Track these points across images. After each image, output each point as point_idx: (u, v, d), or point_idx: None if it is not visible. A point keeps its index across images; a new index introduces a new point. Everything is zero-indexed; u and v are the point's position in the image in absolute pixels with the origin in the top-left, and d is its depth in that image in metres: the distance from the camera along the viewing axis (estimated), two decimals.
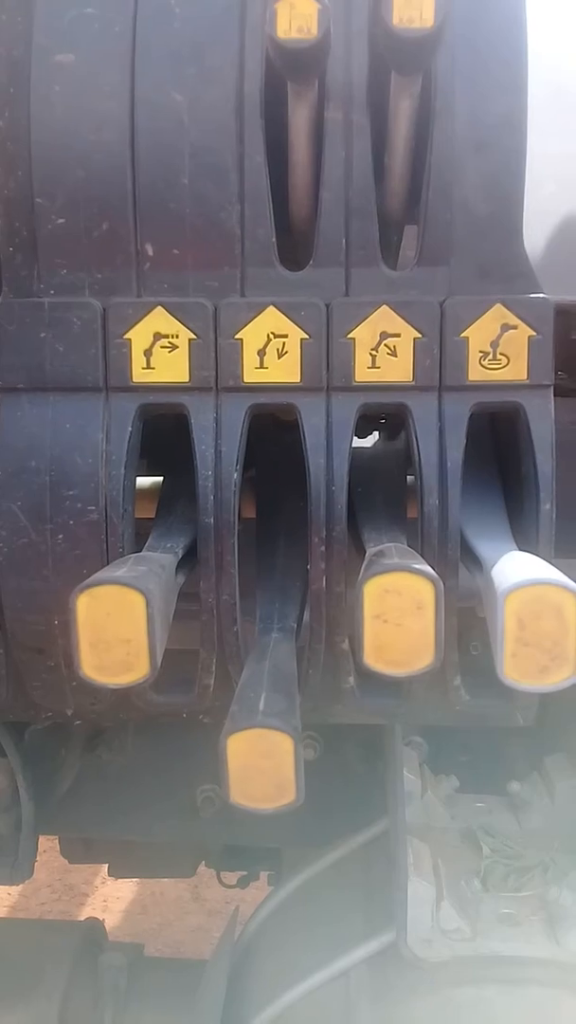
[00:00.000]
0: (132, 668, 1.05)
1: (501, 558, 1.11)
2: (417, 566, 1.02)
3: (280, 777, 1.03)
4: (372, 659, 1.03)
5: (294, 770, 1.03)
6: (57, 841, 2.29)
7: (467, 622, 1.32)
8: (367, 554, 1.13)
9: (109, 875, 2.48)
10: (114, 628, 1.03)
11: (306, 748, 1.95)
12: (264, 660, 1.20)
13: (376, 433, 1.62)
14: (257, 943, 1.76)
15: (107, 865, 2.44)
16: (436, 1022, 1.39)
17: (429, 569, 1.02)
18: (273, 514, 1.46)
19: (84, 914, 3.60)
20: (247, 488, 1.39)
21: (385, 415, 1.42)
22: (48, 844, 2.29)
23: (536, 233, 1.44)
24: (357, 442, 1.30)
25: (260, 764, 1.03)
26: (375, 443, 1.61)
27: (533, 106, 1.23)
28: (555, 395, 1.24)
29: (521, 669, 1.00)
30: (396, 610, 1.01)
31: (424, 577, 1.01)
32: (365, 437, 1.56)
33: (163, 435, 1.35)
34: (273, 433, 1.40)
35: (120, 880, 3.70)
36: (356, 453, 1.26)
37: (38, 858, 1.95)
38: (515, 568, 1.06)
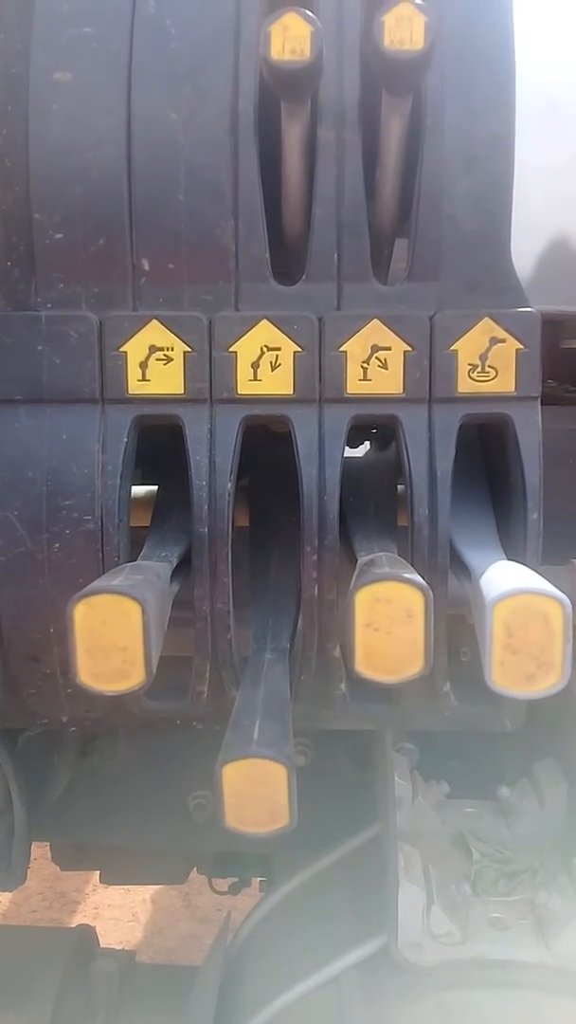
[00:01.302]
0: (128, 675, 1.06)
1: (489, 567, 1.13)
2: (407, 575, 1.04)
3: (274, 804, 1.05)
4: (363, 666, 1.04)
5: (287, 797, 1.05)
6: (48, 848, 2.30)
7: (457, 628, 1.34)
8: (358, 563, 1.15)
9: (101, 882, 2.48)
10: (110, 636, 1.05)
11: (297, 755, 1.97)
12: (258, 686, 1.22)
13: (367, 443, 1.64)
14: (248, 949, 1.77)
15: (98, 872, 2.45)
16: None
17: (419, 578, 1.04)
18: (266, 524, 1.48)
19: (75, 922, 3.58)
20: (241, 498, 1.41)
21: (376, 425, 1.44)
22: (39, 851, 2.29)
23: (528, 244, 1.46)
24: (349, 452, 1.33)
25: (254, 792, 1.05)
26: (366, 453, 1.63)
27: (526, 118, 1.26)
28: (545, 403, 1.27)
29: (509, 676, 1.02)
30: (386, 618, 1.03)
31: (414, 586, 1.03)
32: (357, 447, 1.58)
33: (158, 445, 1.37)
34: (267, 444, 1.42)
35: (111, 888, 3.70)
36: (348, 463, 1.28)
37: (29, 865, 1.95)
38: (503, 577, 1.08)
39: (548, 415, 1.27)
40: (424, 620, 1.03)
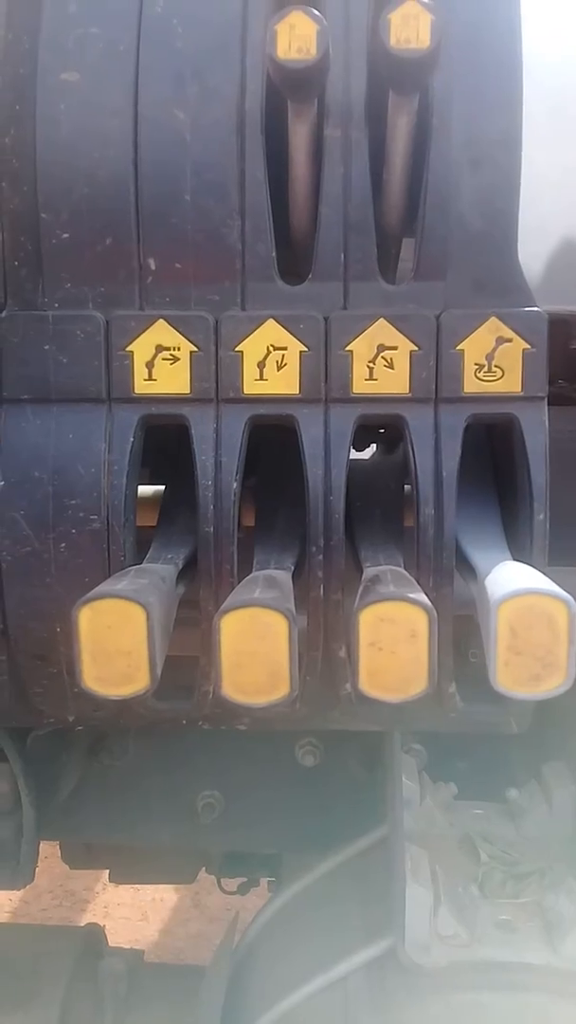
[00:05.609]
0: (133, 680, 1.06)
1: (495, 567, 1.13)
2: (412, 595, 1.04)
3: (274, 664, 1.04)
4: (367, 685, 1.04)
5: (288, 656, 1.03)
6: (58, 847, 2.30)
7: (465, 629, 1.33)
8: (363, 578, 1.14)
9: (110, 881, 2.48)
10: (115, 640, 1.05)
11: (306, 755, 1.97)
12: (259, 575, 1.21)
13: (374, 446, 1.64)
14: (256, 949, 1.77)
15: (108, 871, 2.46)
16: None
17: (423, 597, 1.04)
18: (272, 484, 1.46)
19: (85, 920, 3.58)
20: (247, 497, 1.41)
21: (384, 427, 1.44)
22: (49, 850, 2.30)
23: (538, 244, 1.46)
24: (355, 455, 1.32)
25: (253, 648, 1.03)
26: (372, 455, 1.63)
27: (535, 119, 1.25)
28: (556, 404, 1.26)
29: (513, 677, 1.02)
30: (390, 638, 1.03)
31: (418, 606, 1.03)
32: (363, 450, 1.58)
33: (166, 445, 1.37)
34: (277, 437, 1.41)
35: (121, 886, 3.70)
36: (354, 466, 1.27)
37: (39, 864, 1.96)
38: (508, 577, 1.07)
39: (559, 416, 1.26)
40: (428, 640, 1.02)
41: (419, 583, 1.14)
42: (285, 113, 1.14)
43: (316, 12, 1.03)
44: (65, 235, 1.25)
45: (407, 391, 1.23)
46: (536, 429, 1.23)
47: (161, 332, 1.24)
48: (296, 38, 1.03)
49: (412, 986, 1.43)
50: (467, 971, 1.42)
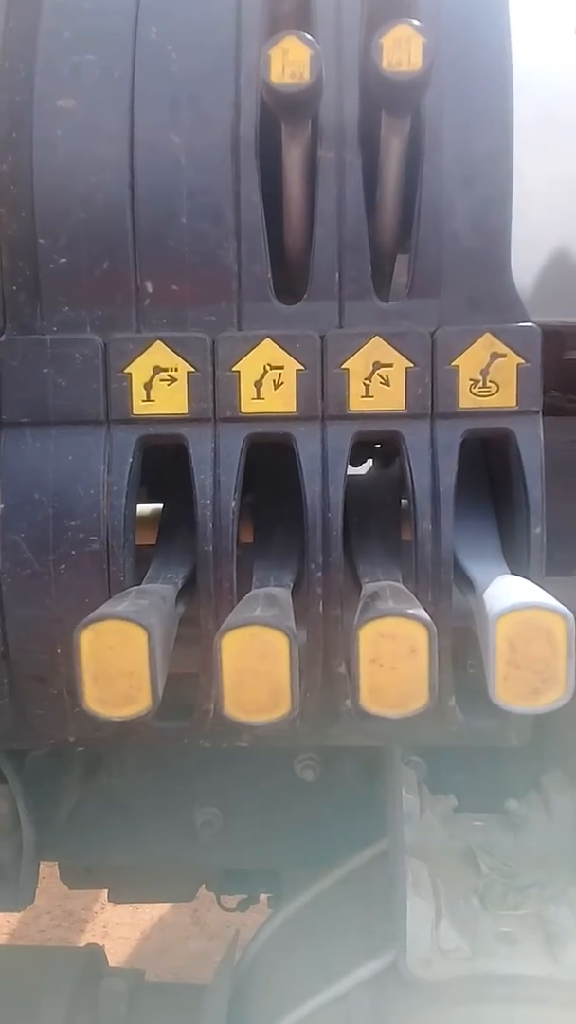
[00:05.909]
0: (134, 701, 1.07)
1: (493, 581, 1.14)
2: (411, 611, 1.05)
3: (275, 682, 1.04)
4: (367, 701, 1.05)
5: (289, 674, 1.04)
6: (56, 867, 2.29)
7: (464, 640, 1.34)
8: (362, 594, 1.15)
9: (109, 900, 2.47)
10: (117, 662, 1.06)
11: (305, 769, 1.97)
12: (259, 592, 1.22)
13: (370, 461, 1.65)
14: (257, 966, 1.76)
15: (107, 890, 2.44)
16: None
17: (423, 613, 1.05)
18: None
19: (84, 940, 3.57)
20: (244, 514, 1.41)
21: (380, 442, 1.45)
22: (48, 870, 2.28)
23: (529, 256, 1.48)
24: (351, 470, 1.33)
25: (254, 667, 1.04)
26: (369, 470, 1.64)
27: (525, 131, 1.27)
28: (550, 414, 1.28)
29: (513, 691, 1.03)
30: (390, 654, 1.04)
31: (418, 622, 1.04)
32: (359, 465, 1.59)
33: (164, 463, 1.38)
34: (274, 454, 1.42)
35: (120, 905, 3.68)
36: (351, 481, 1.28)
37: (37, 885, 1.95)
38: (506, 592, 1.08)
39: (551, 426, 1.28)
40: (428, 656, 1.03)
41: (417, 598, 1.15)
42: (279, 135, 1.16)
43: (309, 37, 1.05)
44: (63, 259, 1.26)
45: (403, 407, 1.25)
46: (532, 443, 1.24)
47: (158, 353, 1.26)
48: (289, 63, 1.04)
49: (414, 1000, 1.43)
50: (469, 984, 1.42)
